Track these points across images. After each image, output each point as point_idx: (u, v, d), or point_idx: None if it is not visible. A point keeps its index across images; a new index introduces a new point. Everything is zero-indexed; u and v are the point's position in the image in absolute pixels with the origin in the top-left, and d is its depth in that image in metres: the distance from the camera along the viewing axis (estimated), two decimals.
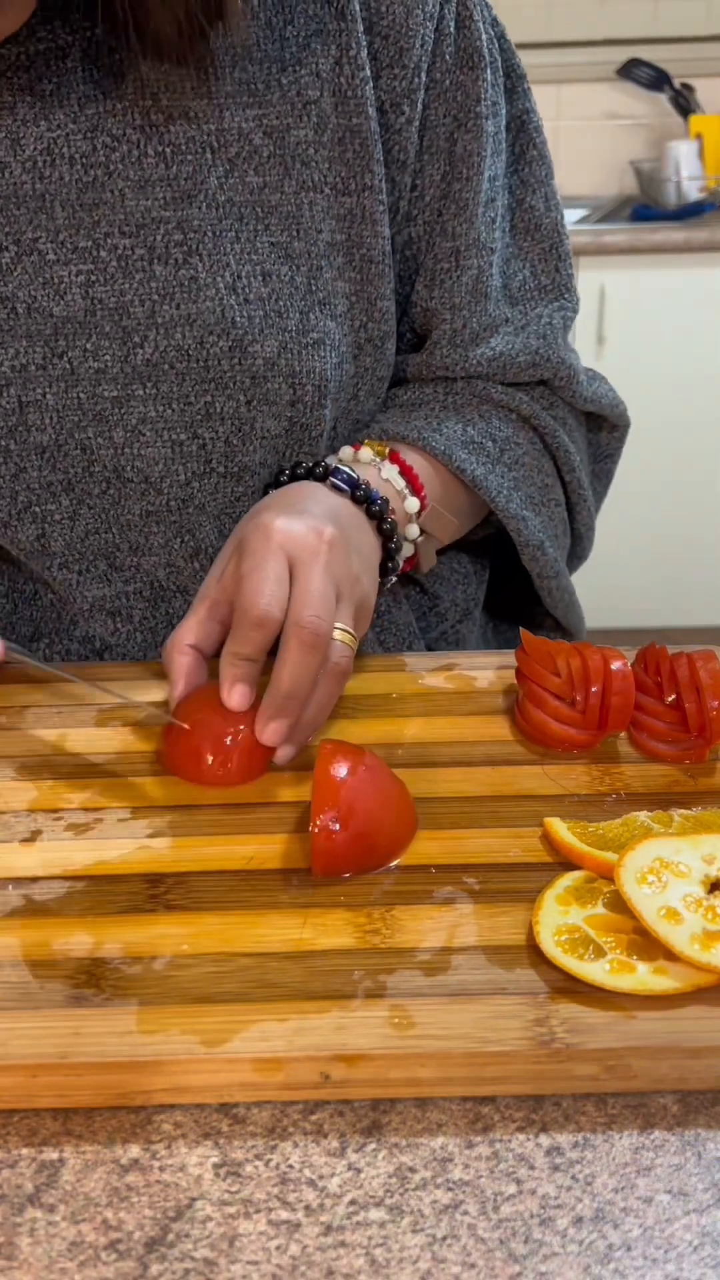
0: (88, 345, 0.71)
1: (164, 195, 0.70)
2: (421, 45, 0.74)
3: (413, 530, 0.77)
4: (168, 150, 0.70)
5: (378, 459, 0.77)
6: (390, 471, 0.76)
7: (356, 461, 0.76)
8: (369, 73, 0.73)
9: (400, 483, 0.76)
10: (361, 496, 0.72)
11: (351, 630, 0.66)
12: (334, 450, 0.80)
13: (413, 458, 0.78)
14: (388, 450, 0.77)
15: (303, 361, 0.74)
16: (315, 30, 0.72)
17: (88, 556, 0.77)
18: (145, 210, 0.70)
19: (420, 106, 0.76)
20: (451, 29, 0.76)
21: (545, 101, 3.11)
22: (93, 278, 0.70)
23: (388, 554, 0.74)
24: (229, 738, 0.64)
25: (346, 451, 0.77)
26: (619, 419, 0.90)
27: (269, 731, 0.63)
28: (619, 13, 2.93)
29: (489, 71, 0.77)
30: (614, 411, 0.90)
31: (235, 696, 0.64)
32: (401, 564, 0.76)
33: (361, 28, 0.73)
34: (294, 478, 0.74)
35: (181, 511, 0.76)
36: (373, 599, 0.71)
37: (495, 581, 0.96)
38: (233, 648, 0.64)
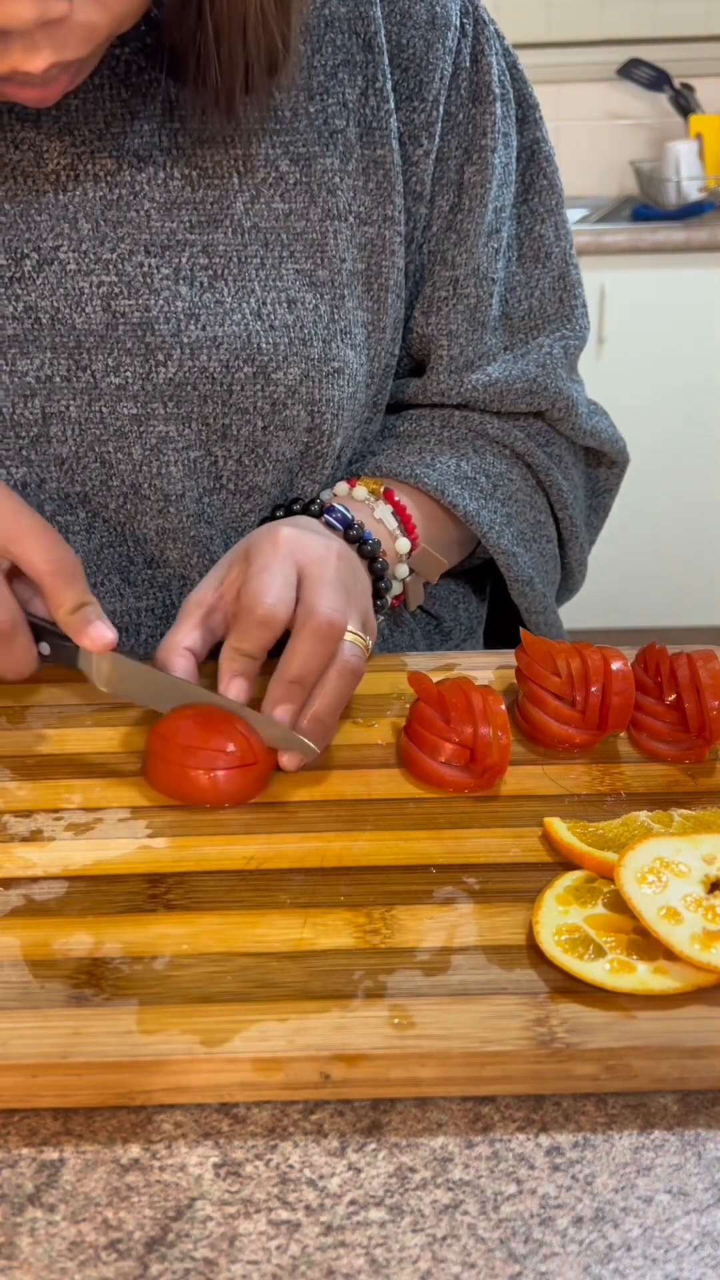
0: (110, 360, 0.71)
1: (190, 218, 0.71)
2: (440, 78, 0.75)
3: (402, 570, 0.77)
4: (194, 174, 0.70)
5: (372, 498, 0.77)
6: (384, 511, 0.76)
7: (350, 499, 0.77)
8: (392, 105, 0.74)
9: (393, 523, 0.76)
10: (354, 536, 0.72)
11: (362, 635, 0.66)
12: (334, 478, 0.80)
13: (405, 497, 0.78)
14: (382, 489, 0.77)
15: (322, 390, 0.74)
16: (343, 60, 0.73)
17: (103, 570, 0.77)
18: (171, 232, 0.70)
19: (438, 139, 0.76)
20: (467, 63, 0.76)
21: (545, 101, 3.08)
22: (115, 290, 0.70)
23: (377, 592, 0.74)
24: (219, 758, 0.62)
25: (341, 488, 0.77)
26: (618, 455, 0.90)
27: (279, 712, 0.63)
28: (619, 13, 2.93)
29: (499, 105, 0.78)
30: (613, 447, 0.89)
31: (234, 689, 0.64)
32: (390, 602, 0.76)
33: (386, 60, 0.73)
34: (289, 513, 0.75)
35: (196, 527, 0.76)
36: (372, 615, 0.71)
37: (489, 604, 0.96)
38: (234, 643, 0.64)
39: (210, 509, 0.76)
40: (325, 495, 0.77)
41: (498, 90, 0.77)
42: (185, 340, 0.71)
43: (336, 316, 0.74)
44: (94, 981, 0.51)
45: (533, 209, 0.83)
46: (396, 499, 0.77)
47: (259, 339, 0.72)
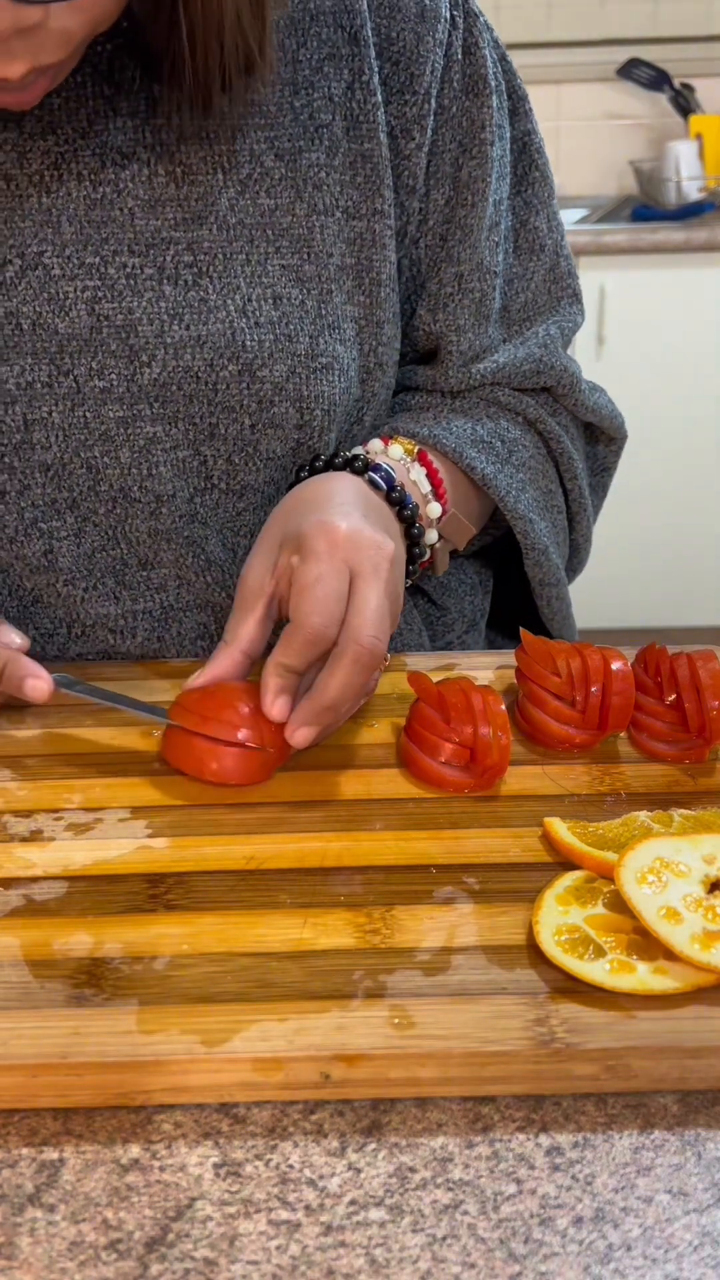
0: (93, 364, 0.70)
1: (174, 216, 0.70)
2: (431, 72, 0.74)
3: (432, 535, 0.76)
4: (178, 170, 0.70)
5: (407, 458, 0.76)
6: (419, 474, 0.75)
7: (386, 456, 0.75)
8: (380, 98, 0.73)
9: (426, 486, 0.75)
10: (396, 498, 0.71)
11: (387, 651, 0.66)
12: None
13: (437, 460, 0.78)
14: (416, 450, 0.76)
15: (311, 386, 0.73)
16: (328, 54, 0.72)
17: (95, 573, 0.76)
18: (155, 230, 0.70)
19: (430, 132, 0.75)
20: (459, 55, 0.76)
21: (545, 101, 3.11)
22: (99, 294, 0.70)
23: (410, 558, 0.73)
24: (241, 735, 0.63)
25: (375, 445, 0.76)
26: (616, 431, 0.90)
27: (300, 736, 0.62)
28: (619, 13, 2.93)
29: (495, 98, 0.77)
30: (612, 423, 0.89)
31: (278, 707, 0.62)
32: (418, 568, 0.75)
33: (374, 53, 0.73)
34: (329, 466, 0.73)
35: (189, 527, 0.75)
36: (401, 602, 0.69)
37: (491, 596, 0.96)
38: (282, 658, 0.62)
39: (203, 509, 0.75)
40: (356, 450, 0.76)
41: (493, 83, 0.77)
42: (169, 340, 0.71)
43: (324, 312, 0.74)
44: (94, 981, 0.51)
45: (526, 201, 0.83)
46: (430, 460, 0.76)
47: (244, 336, 0.71)
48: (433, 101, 0.75)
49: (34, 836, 0.61)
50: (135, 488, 0.73)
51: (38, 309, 0.69)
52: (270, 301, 0.72)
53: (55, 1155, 0.46)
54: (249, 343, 0.71)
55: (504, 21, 2.95)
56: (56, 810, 0.63)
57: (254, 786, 0.64)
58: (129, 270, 0.70)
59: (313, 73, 0.72)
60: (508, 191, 0.81)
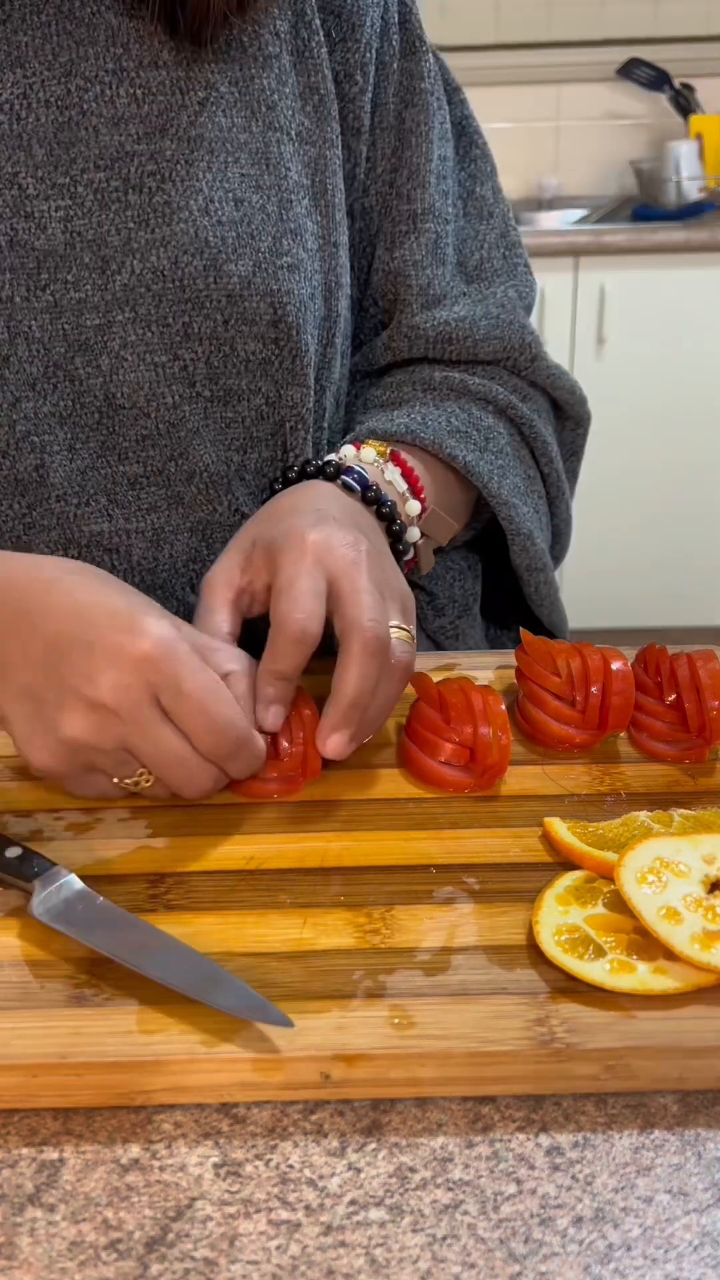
0: (68, 277, 0.72)
1: (136, 131, 0.73)
2: (370, 25, 0.81)
3: (414, 533, 0.77)
4: (139, 92, 0.73)
5: (380, 460, 0.76)
6: (393, 474, 0.76)
7: (359, 461, 0.76)
8: (322, 38, 0.78)
9: (402, 485, 0.76)
10: (372, 498, 0.72)
11: (407, 627, 0.65)
12: (323, 419, 0.81)
13: (411, 459, 0.78)
14: (389, 451, 0.77)
15: (279, 281, 0.75)
16: None
17: (88, 490, 0.77)
18: (119, 145, 0.73)
19: (371, 81, 0.81)
20: (396, 19, 0.83)
21: (545, 101, 3.12)
22: (71, 212, 0.72)
23: (395, 555, 0.74)
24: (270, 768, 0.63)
25: (348, 450, 0.77)
26: (580, 407, 0.92)
27: (332, 744, 0.61)
28: (619, 13, 2.94)
29: (431, 57, 0.84)
30: (575, 395, 0.91)
31: (270, 718, 0.62)
32: (404, 566, 0.76)
33: (315, 2, 0.79)
34: (303, 475, 0.74)
35: (173, 435, 0.76)
36: (410, 595, 0.69)
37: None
38: (270, 664, 0.62)
39: (193, 417, 0.76)
40: (331, 458, 0.77)
41: (429, 44, 0.84)
42: (135, 245, 0.73)
43: (285, 217, 0.77)
44: (94, 981, 0.51)
45: (471, 174, 0.88)
46: (403, 459, 0.77)
47: (206, 233, 0.74)
48: (373, 53, 0.81)
49: (34, 836, 0.61)
50: (118, 394, 0.74)
51: (14, 226, 0.72)
52: (232, 204, 0.75)
53: (55, 1155, 0.46)
54: (211, 239, 0.74)
55: (504, 21, 2.95)
56: (56, 810, 0.63)
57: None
58: (96, 185, 0.72)
59: (258, 12, 0.76)
60: (452, 154, 0.87)
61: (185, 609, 0.79)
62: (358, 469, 0.73)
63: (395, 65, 0.82)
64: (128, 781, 0.61)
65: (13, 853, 0.57)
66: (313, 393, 0.80)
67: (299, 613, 0.61)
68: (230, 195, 0.75)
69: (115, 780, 0.61)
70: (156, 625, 0.57)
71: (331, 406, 0.84)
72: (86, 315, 0.73)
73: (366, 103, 0.81)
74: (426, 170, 0.83)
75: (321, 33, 0.78)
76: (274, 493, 0.75)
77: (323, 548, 0.63)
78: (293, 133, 0.77)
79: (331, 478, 0.73)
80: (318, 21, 0.78)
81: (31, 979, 0.51)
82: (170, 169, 0.73)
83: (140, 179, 0.73)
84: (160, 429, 0.76)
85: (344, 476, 0.72)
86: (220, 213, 0.74)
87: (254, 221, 0.75)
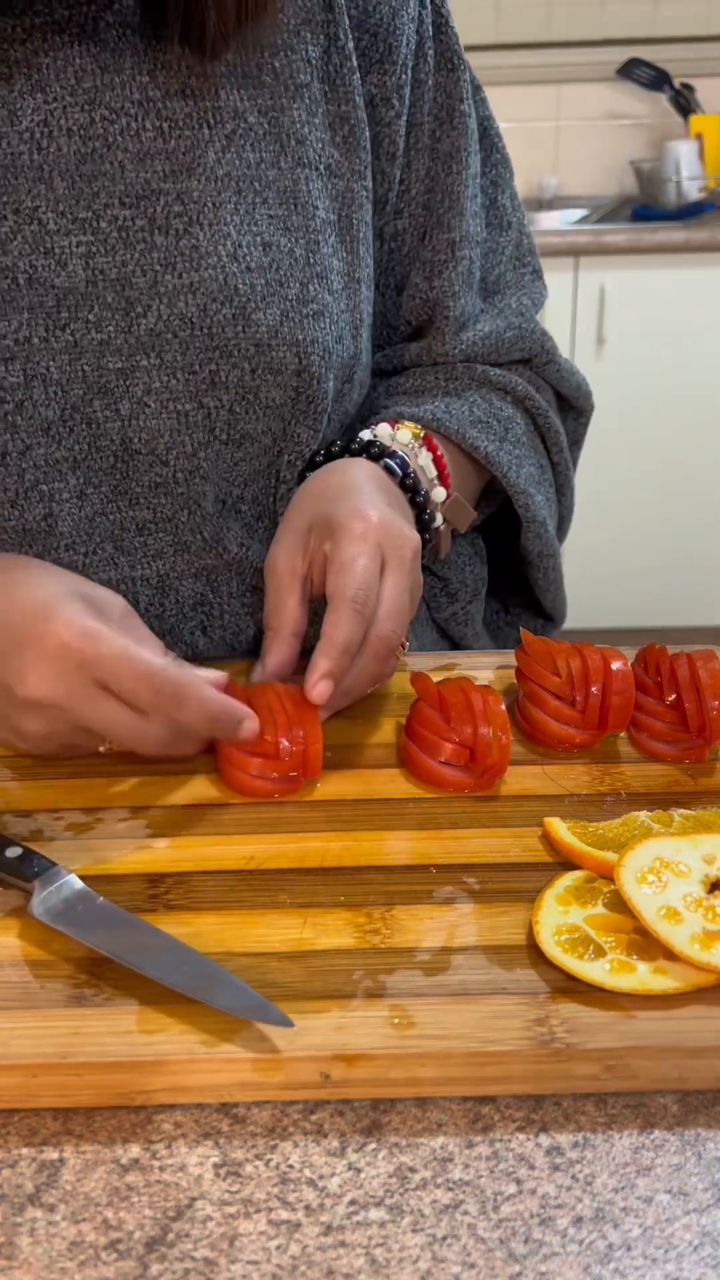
0: (90, 317, 0.71)
1: (163, 168, 0.71)
2: (407, 44, 0.78)
3: (438, 520, 0.79)
4: (165, 125, 0.71)
5: (414, 442, 0.78)
6: (425, 459, 0.78)
7: (394, 442, 0.78)
8: (355, 63, 0.76)
9: (432, 471, 0.78)
10: (409, 484, 0.74)
11: (405, 639, 0.68)
12: (330, 428, 0.82)
13: (441, 445, 0.80)
14: (423, 434, 0.78)
15: (305, 330, 0.75)
16: (304, 19, 0.75)
17: (95, 538, 0.76)
18: (145, 182, 0.71)
19: (407, 103, 0.79)
20: (430, 32, 0.80)
21: (545, 101, 3.12)
22: (93, 249, 0.71)
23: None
24: (285, 745, 0.64)
25: (384, 430, 0.78)
26: (586, 401, 0.94)
27: (319, 689, 0.63)
28: (619, 13, 2.94)
29: (467, 73, 0.82)
30: (582, 390, 0.93)
31: (320, 689, 0.64)
32: (426, 555, 0.78)
33: (349, 22, 0.76)
34: (347, 451, 0.76)
35: (188, 483, 0.76)
36: (421, 585, 0.72)
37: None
38: (331, 633, 0.64)
39: (205, 463, 0.76)
40: (365, 435, 0.78)
41: (465, 60, 0.82)
42: (163, 289, 0.71)
43: (313, 260, 0.76)
44: (94, 981, 0.51)
45: (493, 179, 0.88)
46: (435, 445, 0.79)
47: (235, 280, 0.72)
48: (409, 73, 0.79)
49: (34, 836, 0.61)
50: (135, 440, 0.74)
51: (33, 263, 0.70)
52: (260, 248, 0.74)
53: (55, 1155, 0.46)
54: (241, 286, 0.72)
55: (505, 21, 2.95)
56: (56, 810, 0.63)
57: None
58: (120, 223, 0.71)
59: (290, 36, 0.75)
60: (479, 167, 0.86)
61: (194, 652, 0.80)
62: (401, 454, 0.75)
63: (430, 81, 0.80)
64: (102, 749, 0.65)
65: (13, 853, 0.57)
66: (322, 432, 0.79)
67: (361, 589, 0.64)
68: (259, 240, 0.73)
69: (100, 749, 0.65)
70: (67, 610, 0.60)
71: (335, 433, 0.84)
72: (108, 358, 0.71)
73: (401, 126, 0.79)
74: (464, 196, 0.83)
75: (355, 58, 0.76)
76: (314, 464, 0.77)
77: (384, 533, 0.66)
78: (321, 167, 0.76)
79: (375, 458, 0.75)
80: (351, 45, 0.76)
81: (31, 979, 0.51)
82: (198, 211, 0.72)
83: (167, 220, 0.71)
84: (177, 476, 0.75)
85: (387, 459, 0.74)
86: (249, 258, 0.73)
87: (282, 267, 0.74)
